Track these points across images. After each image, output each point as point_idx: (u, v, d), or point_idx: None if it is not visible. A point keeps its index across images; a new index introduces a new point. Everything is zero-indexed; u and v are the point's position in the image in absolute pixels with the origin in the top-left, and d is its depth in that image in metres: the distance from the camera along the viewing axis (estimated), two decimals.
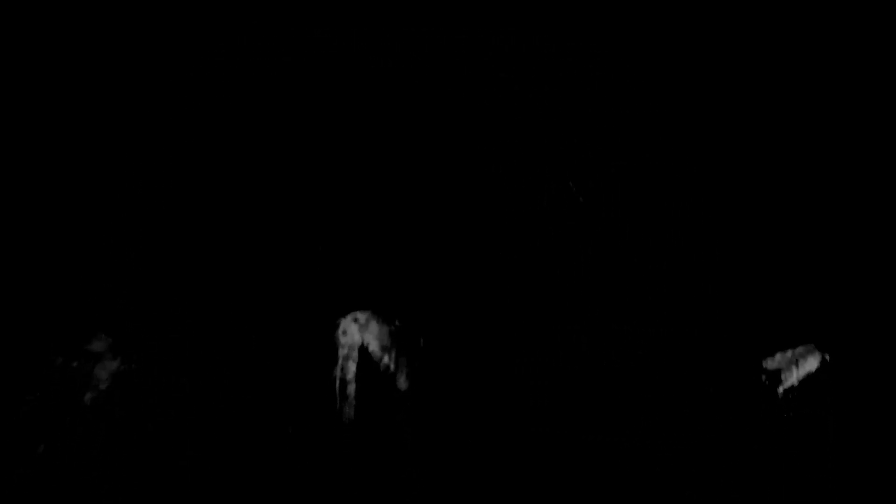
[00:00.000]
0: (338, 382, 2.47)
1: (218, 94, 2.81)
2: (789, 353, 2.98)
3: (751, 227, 2.98)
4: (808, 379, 2.95)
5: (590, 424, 2.70)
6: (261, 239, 2.70)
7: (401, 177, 2.78)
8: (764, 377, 2.97)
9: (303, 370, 2.52)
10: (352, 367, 2.47)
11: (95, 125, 2.73)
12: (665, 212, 2.90)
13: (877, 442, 2.73)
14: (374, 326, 2.53)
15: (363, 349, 2.51)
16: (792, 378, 2.97)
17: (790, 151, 2.99)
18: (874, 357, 2.93)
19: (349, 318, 2.53)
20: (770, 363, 3.00)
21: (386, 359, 2.52)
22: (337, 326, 2.51)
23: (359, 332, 2.50)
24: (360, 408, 2.47)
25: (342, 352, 2.49)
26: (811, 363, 2.99)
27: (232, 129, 2.80)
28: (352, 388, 2.47)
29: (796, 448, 2.74)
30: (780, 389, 2.95)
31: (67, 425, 2.36)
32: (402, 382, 2.52)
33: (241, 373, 2.53)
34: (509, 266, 2.77)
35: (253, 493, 2.46)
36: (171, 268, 2.62)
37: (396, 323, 2.56)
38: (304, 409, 2.53)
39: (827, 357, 2.98)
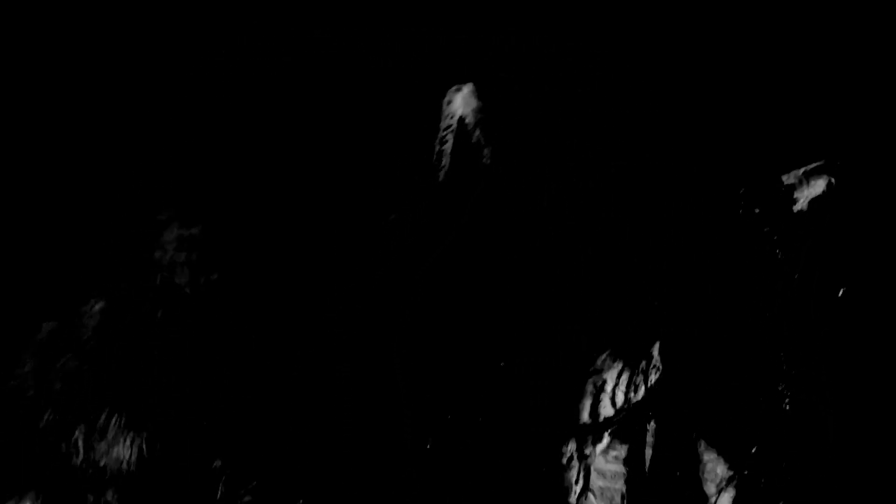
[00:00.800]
0: (437, 149, 2.62)
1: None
2: (801, 171, 3.19)
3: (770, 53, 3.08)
4: (815, 201, 3.17)
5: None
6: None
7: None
8: (780, 190, 3.17)
9: (410, 140, 2.65)
10: (450, 137, 2.62)
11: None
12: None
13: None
14: (472, 101, 2.65)
15: (461, 120, 2.65)
16: (802, 197, 3.18)
17: None
18: (876, 183, 3.13)
19: (454, 88, 2.64)
20: (786, 178, 3.21)
21: (477, 132, 2.67)
22: (443, 95, 2.63)
23: (461, 103, 2.63)
24: (451, 172, 2.64)
25: (444, 122, 2.63)
26: (819, 185, 3.19)
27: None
28: (447, 155, 2.63)
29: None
30: (794, 208, 3.17)
31: (139, 278, 2.62)
32: (486, 155, 2.69)
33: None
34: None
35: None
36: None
37: (491, 101, 2.68)
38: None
39: (833, 181, 3.19)
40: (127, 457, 2.47)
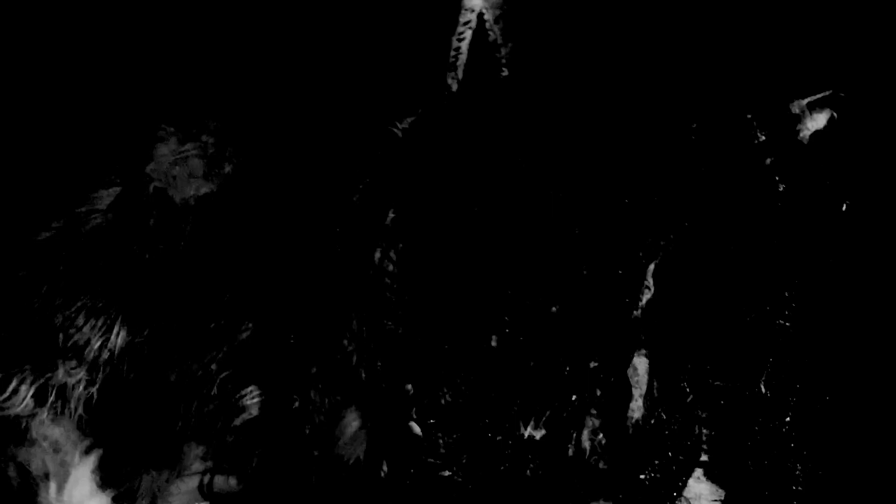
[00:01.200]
0: (454, 45, 2.52)
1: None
2: (805, 102, 3.15)
3: None
4: (817, 135, 3.15)
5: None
6: None
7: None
8: (786, 119, 3.14)
9: (424, 35, 2.55)
10: (468, 34, 2.52)
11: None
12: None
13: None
14: None
15: (480, 17, 2.54)
16: (805, 129, 3.16)
17: None
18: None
19: None
20: (793, 107, 3.17)
21: (496, 31, 2.57)
22: None
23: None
24: (466, 74, 2.54)
25: (462, 18, 2.52)
26: (821, 118, 3.17)
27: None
28: (463, 54, 2.53)
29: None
30: (799, 137, 3.15)
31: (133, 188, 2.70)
32: (504, 53, 2.59)
33: None
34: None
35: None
36: None
37: None
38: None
39: (835, 115, 3.16)
40: (100, 348, 2.57)
